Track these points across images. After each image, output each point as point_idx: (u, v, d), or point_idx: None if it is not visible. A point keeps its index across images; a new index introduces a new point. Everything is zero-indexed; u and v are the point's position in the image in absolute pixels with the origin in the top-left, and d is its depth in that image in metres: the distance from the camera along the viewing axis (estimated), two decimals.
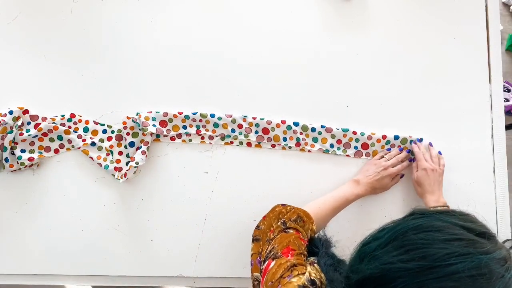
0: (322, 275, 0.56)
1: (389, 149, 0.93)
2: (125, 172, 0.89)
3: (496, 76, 0.96)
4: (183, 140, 0.93)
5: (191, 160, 0.93)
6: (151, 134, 0.91)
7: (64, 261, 0.92)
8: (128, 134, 0.91)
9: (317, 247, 0.66)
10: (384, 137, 0.92)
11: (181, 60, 0.95)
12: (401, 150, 0.92)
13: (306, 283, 0.54)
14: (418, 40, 0.97)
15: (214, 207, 0.92)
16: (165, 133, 0.91)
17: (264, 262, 0.63)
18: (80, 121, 0.93)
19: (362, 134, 0.92)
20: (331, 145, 0.92)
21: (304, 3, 0.97)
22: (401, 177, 0.92)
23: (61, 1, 0.96)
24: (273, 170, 0.93)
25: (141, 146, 0.90)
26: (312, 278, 0.55)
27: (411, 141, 0.93)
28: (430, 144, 0.92)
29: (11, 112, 0.89)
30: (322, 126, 0.92)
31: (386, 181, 0.88)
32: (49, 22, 0.96)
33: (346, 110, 0.94)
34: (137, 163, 0.88)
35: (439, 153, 0.91)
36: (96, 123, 0.93)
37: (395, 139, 0.92)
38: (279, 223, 0.69)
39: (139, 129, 0.91)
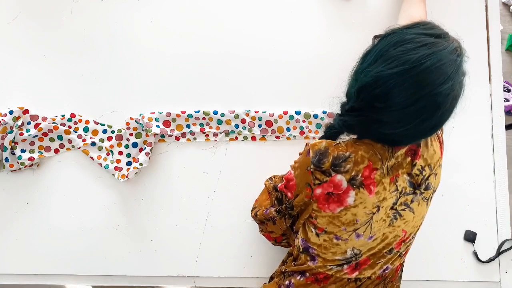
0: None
1: None
2: (127, 173, 0.89)
3: (496, 76, 0.96)
4: (188, 139, 0.93)
5: (192, 159, 0.93)
6: (155, 135, 0.91)
7: (64, 261, 0.91)
8: (131, 134, 0.91)
9: None
10: None
11: (181, 59, 0.95)
12: None
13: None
14: None
15: (215, 207, 0.92)
16: (169, 133, 0.91)
17: (281, 181, 0.71)
18: (80, 121, 0.93)
19: None
20: None
21: (304, 3, 0.97)
22: None
23: (61, 1, 0.96)
24: (279, 163, 0.92)
25: (145, 148, 0.90)
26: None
27: None
28: None
29: (11, 112, 0.89)
30: (324, 112, 0.93)
31: None
32: (49, 22, 0.96)
33: None
34: (141, 164, 0.88)
35: None
36: (96, 123, 0.93)
37: None
38: (271, 191, 0.77)
39: (143, 130, 0.91)
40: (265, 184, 0.80)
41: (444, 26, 1.00)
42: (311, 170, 0.63)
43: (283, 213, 0.71)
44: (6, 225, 0.92)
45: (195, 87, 0.94)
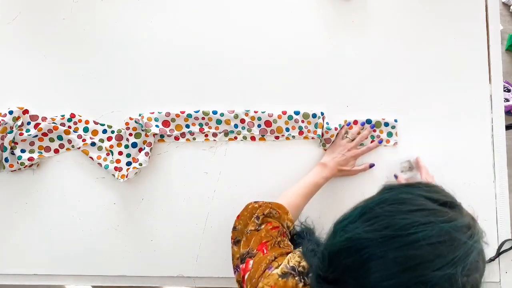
0: (304, 262, 0.57)
1: (348, 124, 0.92)
2: (127, 173, 0.89)
3: (496, 76, 0.96)
4: (187, 139, 0.93)
5: (192, 159, 0.93)
6: (154, 135, 0.91)
7: (64, 261, 0.92)
8: (130, 134, 0.91)
9: (302, 238, 0.67)
10: (355, 122, 0.93)
11: (181, 59, 0.95)
12: (362, 124, 0.92)
13: (286, 270, 0.55)
14: (418, 40, 0.96)
15: (215, 207, 0.92)
16: (168, 133, 0.91)
17: (243, 261, 0.64)
18: (80, 121, 0.93)
19: (339, 126, 0.92)
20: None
21: (304, 3, 0.97)
22: (370, 167, 0.92)
23: (61, 1, 0.96)
24: (278, 163, 0.93)
25: (144, 147, 0.90)
26: (291, 264, 0.56)
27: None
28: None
29: (11, 112, 0.89)
30: (322, 113, 0.92)
31: (351, 162, 0.89)
32: (49, 22, 0.96)
33: (346, 110, 0.94)
34: (140, 164, 0.88)
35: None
36: (96, 123, 0.93)
37: (367, 123, 0.93)
38: (253, 218, 0.70)
39: (142, 130, 0.91)
40: (248, 207, 0.74)
41: (443, 26, 1.00)
42: None
43: None
44: (6, 225, 0.92)
45: (195, 87, 0.94)
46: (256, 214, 0.70)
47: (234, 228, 0.73)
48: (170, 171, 0.93)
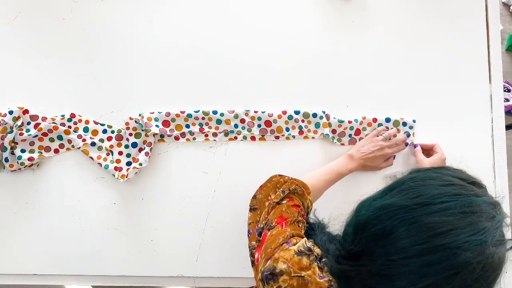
0: (318, 249, 0.57)
1: (386, 126, 0.93)
2: (127, 173, 0.89)
3: (496, 76, 0.96)
4: (187, 139, 0.93)
5: (192, 159, 0.93)
6: (154, 135, 0.91)
7: (64, 261, 0.92)
8: (130, 134, 0.91)
9: (313, 229, 0.67)
10: (374, 120, 0.93)
11: (181, 59, 0.95)
12: (387, 121, 0.93)
13: (303, 249, 0.56)
14: (418, 40, 0.97)
15: (215, 207, 0.92)
16: (168, 133, 0.91)
17: (261, 234, 0.65)
18: (80, 121, 0.93)
19: (356, 121, 0.93)
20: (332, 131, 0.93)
21: (304, 3, 0.97)
22: (393, 159, 0.92)
23: (61, 1, 0.96)
24: (278, 163, 0.93)
25: (144, 147, 0.90)
26: (308, 245, 0.57)
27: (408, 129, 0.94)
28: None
29: (11, 112, 0.89)
30: (323, 112, 0.92)
31: (379, 160, 0.89)
32: (49, 22, 0.96)
33: (346, 110, 0.94)
34: (140, 164, 0.88)
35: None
36: (96, 123, 0.93)
37: (386, 122, 0.93)
38: (278, 192, 0.70)
39: (142, 130, 0.91)
40: (272, 180, 0.74)
41: (443, 26, 1.00)
42: (259, 277, 0.56)
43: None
44: (6, 225, 0.92)
45: (195, 87, 0.94)
46: (282, 189, 0.70)
47: (254, 197, 0.73)
48: (170, 171, 0.93)
